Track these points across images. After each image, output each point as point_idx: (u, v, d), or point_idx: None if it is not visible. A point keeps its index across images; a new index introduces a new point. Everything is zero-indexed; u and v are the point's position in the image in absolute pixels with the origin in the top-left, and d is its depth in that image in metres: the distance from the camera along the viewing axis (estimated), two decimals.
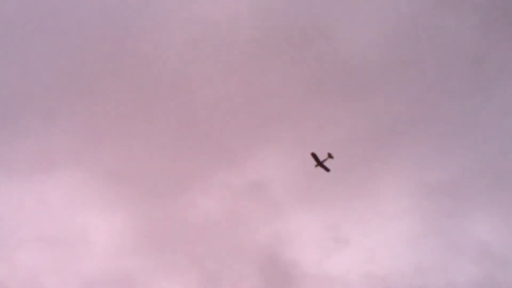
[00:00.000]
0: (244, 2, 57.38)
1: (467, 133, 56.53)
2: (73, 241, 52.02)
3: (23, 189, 51.90)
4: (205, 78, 57.36)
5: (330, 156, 44.78)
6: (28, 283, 48.45)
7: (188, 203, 55.33)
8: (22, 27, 53.51)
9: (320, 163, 45.12)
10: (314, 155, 45.01)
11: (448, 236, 53.21)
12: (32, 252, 49.48)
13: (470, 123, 56.90)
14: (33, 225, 51.17)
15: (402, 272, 51.66)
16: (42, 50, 53.83)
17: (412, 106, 56.92)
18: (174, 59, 57.17)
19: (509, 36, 56.71)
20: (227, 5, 57.16)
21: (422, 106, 57.06)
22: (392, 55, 57.40)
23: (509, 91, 57.20)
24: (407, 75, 57.51)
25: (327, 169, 45.39)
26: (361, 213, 54.07)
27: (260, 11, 57.45)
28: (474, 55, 57.50)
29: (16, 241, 49.42)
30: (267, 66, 58.69)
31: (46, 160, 53.44)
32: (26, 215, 51.74)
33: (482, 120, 57.05)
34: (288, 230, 55.34)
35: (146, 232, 53.81)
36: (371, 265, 52.88)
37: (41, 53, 53.73)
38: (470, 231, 53.08)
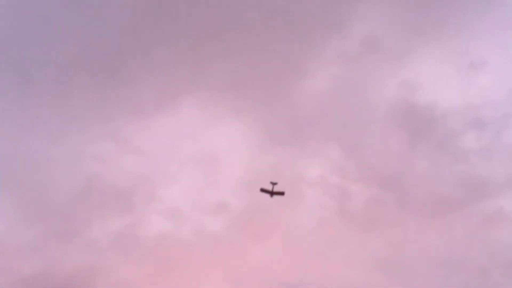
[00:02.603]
0: None
1: None
2: (218, 153, 54.76)
3: (158, 124, 54.89)
4: None
5: (273, 183, 44.95)
6: (195, 201, 53.12)
7: (308, 84, 54.87)
8: None
9: (272, 193, 45.23)
10: (263, 190, 45.27)
11: None
12: (191, 173, 53.21)
13: None
14: (180, 150, 54.89)
15: None
16: None
17: None
18: None
19: None
20: None
21: None
22: None
23: None
24: None
25: (282, 193, 45.18)
26: (491, 26, 48.39)
27: None
28: None
29: (176, 167, 53.43)
30: None
31: (169, 92, 55.82)
32: (172, 145, 55.42)
33: None
34: (416, 74, 52.64)
35: (277, 125, 55.05)
36: None
37: None
38: None
